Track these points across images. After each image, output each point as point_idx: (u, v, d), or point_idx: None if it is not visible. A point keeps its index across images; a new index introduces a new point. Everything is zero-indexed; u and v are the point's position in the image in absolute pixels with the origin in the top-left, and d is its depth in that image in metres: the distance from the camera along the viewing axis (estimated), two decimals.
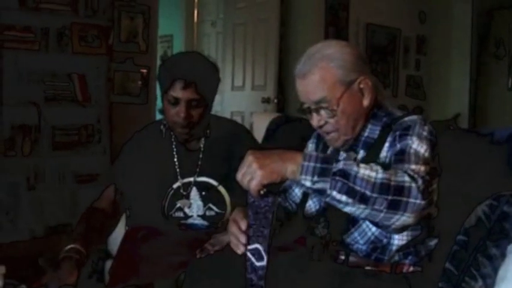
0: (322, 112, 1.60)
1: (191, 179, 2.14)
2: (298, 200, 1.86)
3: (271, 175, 1.33)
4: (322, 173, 1.32)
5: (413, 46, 5.81)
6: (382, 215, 1.33)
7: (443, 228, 1.66)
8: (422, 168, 1.43)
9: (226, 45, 5.44)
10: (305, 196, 1.79)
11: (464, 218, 1.67)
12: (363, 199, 1.31)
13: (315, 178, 1.32)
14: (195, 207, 2.13)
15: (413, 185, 1.34)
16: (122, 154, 2.24)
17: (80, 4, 3.91)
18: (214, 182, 2.14)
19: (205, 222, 2.13)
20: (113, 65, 4.17)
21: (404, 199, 1.32)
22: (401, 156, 1.48)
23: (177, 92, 1.98)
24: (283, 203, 1.88)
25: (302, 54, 1.65)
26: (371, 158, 1.60)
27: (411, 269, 1.61)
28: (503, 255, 1.54)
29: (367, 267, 1.60)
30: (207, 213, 2.13)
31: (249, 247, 1.42)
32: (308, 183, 1.33)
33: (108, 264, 2.38)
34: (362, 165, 1.35)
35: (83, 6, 3.93)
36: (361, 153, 1.66)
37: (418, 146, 1.49)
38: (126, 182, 2.16)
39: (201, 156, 2.16)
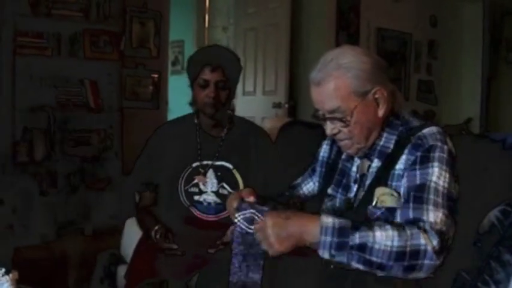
0: (336, 121, 1.60)
1: (210, 162, 2.37)
2: (312, 191, 1.94)
3: (288, 248, 1.42)
4: (340, 247, 1.39)
5: (424, 50, 5.78)
6: (398, 275, 1.42)
7: (456, 234, 1.65)
8: (440, 214, 1.45)
9: (237, 50, 5.40)
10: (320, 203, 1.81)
11: (477, 224, 1.66)
12: (380, 267, 1.40)
13: (333, 252, 1.39)
14: (209, 184, 2.35)
15: (429, 248, 1.38)
16: (147, 147, 2.42)
17: (91, 10, 3.93)
18: (230, 165, 2.38)
19: (217, 200, 2.32)
20: (124, 71, 4.19)
21: (420, 262, 1.38)
22: (420, 193, 1.49)
23: (207, 75, 2.28)
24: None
25: (314, 59, 1.64)
26: (386, 168, 1.61)
27: None
28: None
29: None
30: (220, 191, 2.34)
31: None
32: (326, 256, 1.41)
33: (120, 269, 2.38)
34: (377, 229, 1.39)
35: (95, 12, 3.95)
36: (376, 162, 1.66)
37: (438, 178, 1.50)
38: (154, 168, 2.36)
39: (221, 143, 2.40)
